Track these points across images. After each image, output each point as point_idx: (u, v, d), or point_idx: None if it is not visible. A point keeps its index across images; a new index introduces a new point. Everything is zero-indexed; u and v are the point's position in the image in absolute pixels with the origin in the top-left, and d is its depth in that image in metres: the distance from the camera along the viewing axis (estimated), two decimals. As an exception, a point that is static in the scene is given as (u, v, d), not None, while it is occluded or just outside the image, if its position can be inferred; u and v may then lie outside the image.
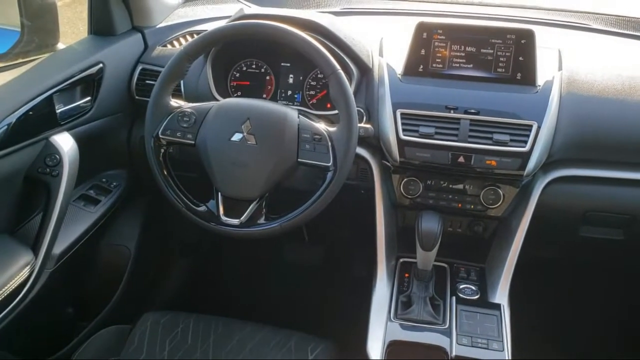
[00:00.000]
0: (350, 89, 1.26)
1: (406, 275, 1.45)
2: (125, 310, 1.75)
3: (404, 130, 1.37)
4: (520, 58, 1.39)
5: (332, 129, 1.28)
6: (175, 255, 2.11)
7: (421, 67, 1.45)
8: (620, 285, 2.00)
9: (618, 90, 1.41)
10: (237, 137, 1.26)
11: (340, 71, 1.24)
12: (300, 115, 1.29)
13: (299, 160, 1.26)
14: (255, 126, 1.26)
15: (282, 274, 2.15)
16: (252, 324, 1.39)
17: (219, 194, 1.29)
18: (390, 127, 1.39)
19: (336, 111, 1.27)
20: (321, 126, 1.29)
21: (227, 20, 1.48)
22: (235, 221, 1.27)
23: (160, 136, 1.30)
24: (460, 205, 1.47)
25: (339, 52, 1.43)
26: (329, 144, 1.25)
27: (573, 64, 1.47)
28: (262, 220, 1.28)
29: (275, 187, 1.28)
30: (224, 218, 1.28)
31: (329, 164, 1.24)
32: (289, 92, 1.57)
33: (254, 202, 1.27)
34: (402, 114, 1.38)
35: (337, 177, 1.24)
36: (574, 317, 2.02)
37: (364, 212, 1.50)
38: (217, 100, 1.46)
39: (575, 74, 1.43)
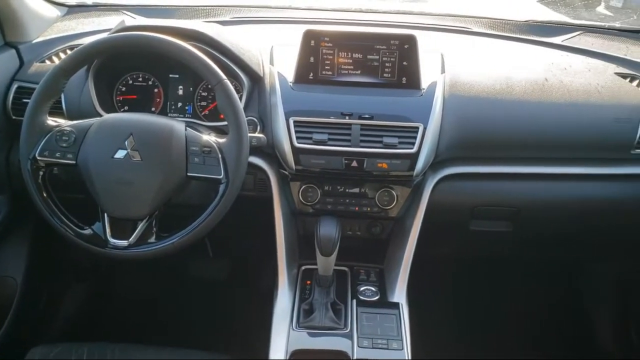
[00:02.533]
0: (238, 99, 1.24)
1: (308, 282, 1.45)
2: (13, 347, 1.62)
3: (297, 137, 1.37)
4: (404, 63, 1.44)
5: (222, 141, 1.26)
6: (70, 281, 1.99)
7: (311, 74, 1.46)
8: (517, 277, 2.11)
9: (497, 90, 1.48)
10: (120, 154, 1.21)
11: (226, 81, 1.23)
12: (187, 128, 1.26)
13: (188, 174, 1.23)
14: (140, 142, 1.22)
15: (187, 291, 2.10)
16: (152, 347, 1.34)
17: (105, 214, 1.23)
18: (284, 135, 1.38)
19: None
20: (211, 138, 1.26)
21: (108, 33, 1.42)
22: (124, 242, 1.22)
23: (38, 158, 1.24)
24: (357, 208, 1.49)
25: (227, 61, 1.42)
26: (219, 155, 1.23)
27: (455, 66, 1.53)
28: (152, 240, 1.24)
29: (166, 204, 1.24)
30: (111, 240, 1.23)
31: (221, 177, 1.22)
32: (179, 104, 1.53)
33: (143, 221, 1.23)
34: (295, 121, 1.38)
35: (229, 189, 1.22)
36: (474, 310, 2.10)
37: (265, 222, 1.49)
38: (101, 116, 1.39)
39: (457, 76, 1.50)
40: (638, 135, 1.46)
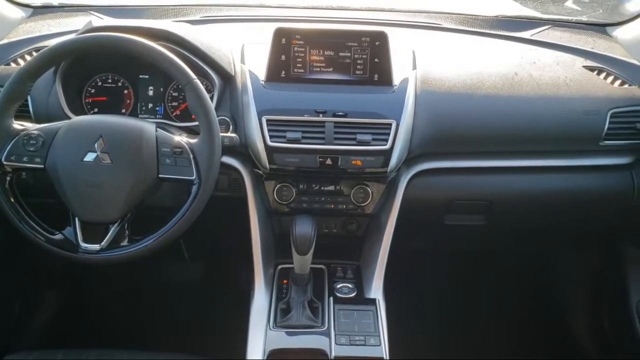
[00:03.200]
0: (209, 98, 1.24)
1: (284, 281, 1.45)
2: None
3: (271, 136, 1.37)
4: (376, 60, 1.44)
5: (193, 141, 1.25)
6: (43, 287, 1.96)
7: (283, 72, 1.45)
8: (494, 271, 2.13)
9: (467, 85, 1.49)
10: (90, 156, 1.20)
11: (196, 80, 1.22)
12: (158, 129, 1.25)
13: (160, 176, 1.22)
14: (109, 144, 1.20)
15: (163, 294, 2.08)
16: (128, 351, 1.32)
17: (76, 219, 1.22)
18: (257, 134, 1.37)
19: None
20: (182, 139, 1.25)
21: (75, 34, 1.39)
22: (96, 246, 1.21)
23: (4, 163, 1.21)
24: (333, 206, 1.49)
25: (197, 61, 1.40)
26: (191, 156, 1.22)
27: (426, 63, 1.54)
28: (125, 243, 1.23)
29: (138, 206, 1.23)
30: (83, 245, 1.21)
31: (193, 178, 1.22)
32: (150, 105, 1.51)
33: (115, 224, 1.22)
34: (267, 120, 1.38)
35: (202, 190, 1.21)
36: (451, 304, 2.12)
37: (240, 222, 1.48)
38: (69, 119, 1.37)
39: (428, 72, 1.50)
40: (606, 127, 1.49)
